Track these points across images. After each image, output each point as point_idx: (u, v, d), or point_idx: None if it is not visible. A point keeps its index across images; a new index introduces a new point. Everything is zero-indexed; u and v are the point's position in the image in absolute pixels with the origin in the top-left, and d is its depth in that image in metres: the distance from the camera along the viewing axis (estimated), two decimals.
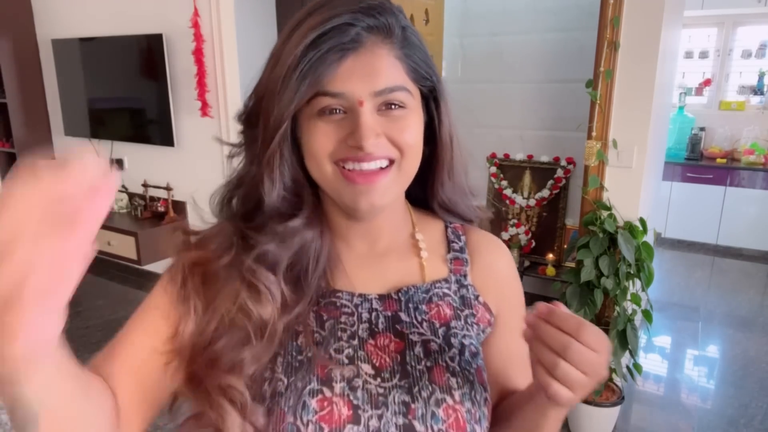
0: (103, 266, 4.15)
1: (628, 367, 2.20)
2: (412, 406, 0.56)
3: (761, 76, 4.72)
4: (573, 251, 2.39)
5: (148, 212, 3.61)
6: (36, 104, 4.09)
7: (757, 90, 4.76)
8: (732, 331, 3.33)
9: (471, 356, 0.62)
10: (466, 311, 0.65)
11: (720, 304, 3.72)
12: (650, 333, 3.22)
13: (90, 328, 3.27)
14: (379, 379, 0.57)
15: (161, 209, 3.59)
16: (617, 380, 2.28)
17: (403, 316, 0.62)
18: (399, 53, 0.56)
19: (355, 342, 0.59)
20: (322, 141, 0.55)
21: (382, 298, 0.63)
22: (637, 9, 2.03)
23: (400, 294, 0.63)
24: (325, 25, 0.52)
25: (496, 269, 0.69)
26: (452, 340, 0.62)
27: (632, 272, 2.07)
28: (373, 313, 0.61)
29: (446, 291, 0.65)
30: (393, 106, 0.56)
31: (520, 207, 3.47)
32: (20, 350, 0.34)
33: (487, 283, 0.67)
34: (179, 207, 3.57)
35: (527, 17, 3.34)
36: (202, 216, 0.64)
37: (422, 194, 0.68)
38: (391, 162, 0.57)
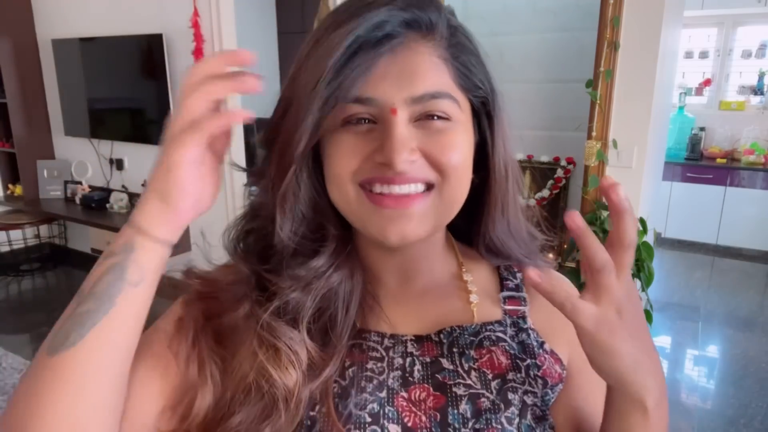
0: None
1: None
2: None
3: (761, 76, 4.72)
4: (573, 251, 2.39)
5: None
6: (36, 104, 4.09)
7: (757, 90, 4.75)
8: (732, 331, 3.33)
9: (534, 421, 0.49)
10: (528, 361, 0.51)
11: (720, 304, 3.72)
12: (650, 333, 3.22)
13: None
14: None
15: None
16: None
17: (445, 363, 0.50)
18: (445, 54, 0.46)
19: (383, 394, 0.48)
20: (344, 158, 0.46)
21: (419, 339, 0.51)
22: (637, 9, 2.03)
23: (442, 335, 0.51)
24: (354, 23, 0.42)
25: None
26: (509, 395, 0.49)
27: (632, 272, 2.08)
28: (408, 359, 0.50)
29: (500, 335, 0.52)
30: (434, 118, 0.46)
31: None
32: (184, 158, 0.41)
33: (552, 325, 0.54)
34: None
35: (527, 17, 3.34)
36: (208, 256, 0.55)
37: (467, 230, 0.57)
38: (430, 187, 0.47)
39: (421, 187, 0.46)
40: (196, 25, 3.09)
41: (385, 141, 0.44)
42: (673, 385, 2.80)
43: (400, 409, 0.47)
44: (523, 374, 0.50)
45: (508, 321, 0.54)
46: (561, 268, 3.21)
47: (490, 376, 0.49)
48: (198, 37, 3.10)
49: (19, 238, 4.29)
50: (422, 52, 0.45)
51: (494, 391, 0.49)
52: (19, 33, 3.94)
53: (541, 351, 0.52)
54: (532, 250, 0.57)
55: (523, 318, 0.54)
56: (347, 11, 0.44)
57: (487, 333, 0.52)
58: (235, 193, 2.83)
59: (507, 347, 0.51)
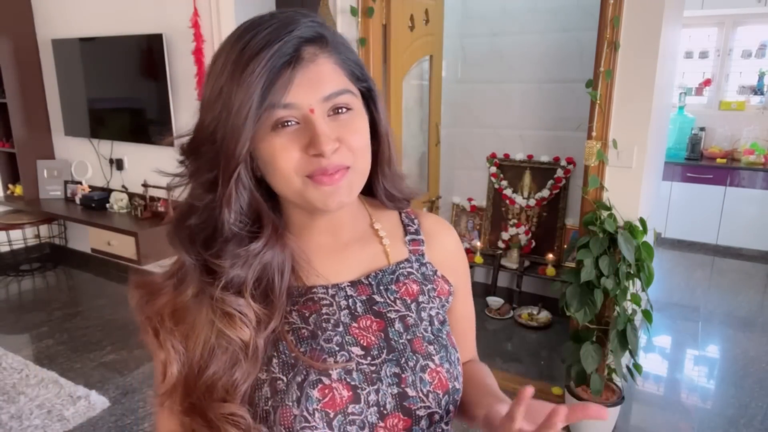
0: (103, 266, 4.15)
1: (628, 367, 2.20)
2: (403, 375, 0.63)
3: (761, 76, 4.72)
4: (573, 251, 2.39)
5: (148, 212, 3.61)
6: (36, 104, 4.10)
7: (757, 90, 4.76)
8: (732, 331, 3.33)
9: (440, 324, 0.69)
10: (429, 286, 0.71)
11: (720, 304, 3.72)
12: (650, 333, 3.22)
13: (90, 328, 3.27)
14: (369, 358, 0.63)
15: (161, 209, 3.59)
16: (617, 380, 2.28)
17: (377, 297, 0.68)
18: (337, 59, 0.60)
19: (341, 329, 0.64)
20: (284, 154, 0.58)
21: (354, 284, 0.68)
22: (637, 9, 2.02)
23: (370, 278, 0.69)
24: (269, 50, 0.55)
25: (447, 247, 0.76)
26: (422, 313, 0.69)
27: (632, 272, 2.08)
28: (350, 300, 0.67)
29: (410, 270, 0.71)
30: (341, 110, 0.59)
31: (520, 207, 3.47)
32: None
33: (441, 259, 0.74)
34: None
35: (527, 17, 3.34)
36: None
37: (368, 184, 0.72)
38: (347, 168, 0.60)
39: (341, 167, 0.60)
40: (196, 25, 3.09)
41: (313, 137, 0.57)
42: (673, 385, 2.80)
43: (356, 336, 0.64)
44: (427, 296, 0.70)
45: (413, 258, 0.72)
46: (561, 268, 3.21)
47: (409, 301, 0.69)
48: (198, 37, 3.10)
49: (19, 238, 4.29)
50: (322, 62, 0.58)
51: (414, 311, 0.68)
52: (19, 33, 3.94)
53: (435, 277, 0.73)
54: (406, 186, 0.74)
55: (422, 255, 0.73)
56: (258, 43, 0.55)
57: (401, 270, 0.71)
58: None
59: (415, 278, 0.71)
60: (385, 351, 0.64)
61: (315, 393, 0.59)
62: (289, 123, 0.57)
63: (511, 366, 2.91)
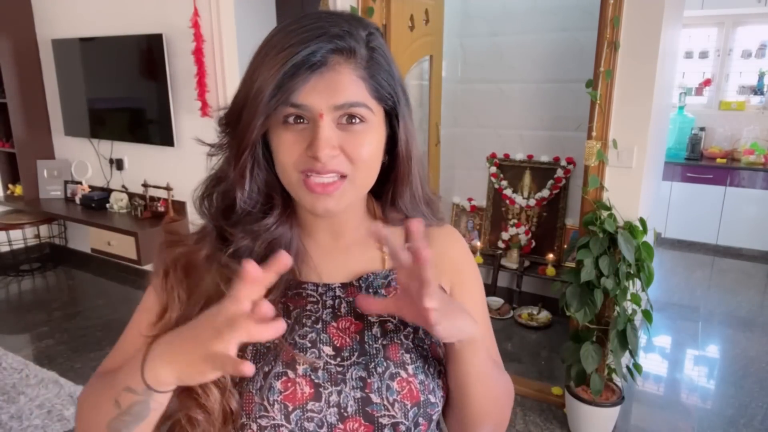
0: (103, 266, 4.15)
1: (628, 367, 2.20)
2: (369, 380, 0.63)
3: (761, 76, 4.72)
4: (573, 251, 2.39)
5: (148, 212, 3.61)
6: (36, 104, 4.09)
7: (757, 90, 4.75)
8: (732, 331, 3.33)
9: (424, 333, 0.68)
10: None
11: (720, 304, 3.72)
12: (650, 333, 3.22)
13: (90, 328, 3.27)
14: (339, 359, 0.64)
15: (161, 209, 3.59)
16: (617, 380, 2.28)
17: None
18: (363, 73, 0.60)
19: (319, 326, 0.65)
20: (286, 150, 0.60)
21: (345, 286, 0.68)
22: (637, 9, 2.02)
23: (360, 281, 0.69)
24: (295, 49, 0.57)
25: (449, 255, 0.76)
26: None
27: (632, 272, 2.07)
28: (337, 300, 0.67)
29: None
30: (354, 120, 0.60)
31: (520, 207, 3.47)
32: (224, 356, 0.51)
33: (440, 267, 0.73)
34: (179, 207, 3.57)
35: (527, 17, 3.34)
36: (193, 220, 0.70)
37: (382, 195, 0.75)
38: (344, 176, 0.61)
39: (336, 177, 0.61)
40: (196, 25, 3.09)
41: (313, 140, 0.58)
42: (673, 385, 2.80)
43: (331, 335, 0.65)
44: None
45: None
46: (561, 268, 3.21)
47: None
48: (198, 37, 3.10)
49: (19, 238, 4.29)
50: (344, 72, 0.59)
51: (396, 317, 0.67)
52: (19, 33, 3.94)
53: None
54: (429, 212, 0.74)
55: None
56: (291, 39, 0.57)
57: (394, 276, 0.70)
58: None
59: None
60: (356, 354, 0.64)
61: (278, 384, 0.61)
62: (300, 120, 0.60)
63: (511, 366, 2.91)
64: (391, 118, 0.66)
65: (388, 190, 0.71)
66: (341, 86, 0.59)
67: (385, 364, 0.64)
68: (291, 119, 0.60)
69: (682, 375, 2.90)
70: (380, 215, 0.74)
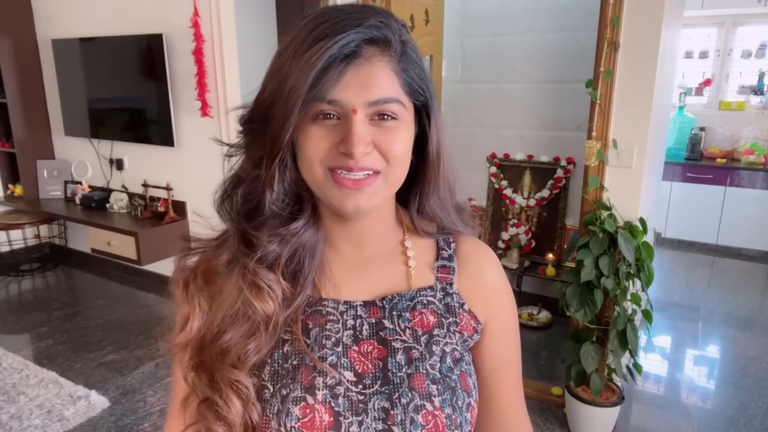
0: (103, 266, 4.15)
1: (628, 367, 2.20)
2: (392, 412, 0.59)
3: (761, 76, 4.72)
4: (573, 251, 2.39)
5: (148, 212, 3.61)
6: (36, 104, 4.09)
7: (757, 90, 4.75)
8: (732, 331, 3.33)
9: (453, 363, 0.63)
10: (450, 319, 0.65)
11: (720, 304, 3.72)
12: (650, 333, 3.22)
13: (90, 328, 3.27)
14: (360, 386, 0.60)
15: (161, 209, 3.59)
16: (617, 380, 2.28)
17: (386, 323, 0.63)
18: (396, 67, 0.58)
19: (339, 349, 0.61)
20: (314, 145, 0.57)
21: (366, 305, 0.64)
22: (637, 9, 2.02)
23: (384, 301, 0.64)
24: (329, 41, 0.54)
25: (484, 279, 0.69)
26: (434, 347, 0.63)
27: (632, 272, 2.07)
28: (358, 320, 0.63)
29: (431, 299, 0.65)
30: (386, 117, 0.57)
31: (520, 207, 3.47)
32: None
33: (474, 292, 0.68)
34: (179, 207, 3.57)
35: (527, 17, 3.34)
36: (211, 225, 0.68)
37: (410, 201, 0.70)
38: (377, 172, 0.59)
39: (370, 173, 0.58)
40: (196, 25, 3.09)
41: (347, 135, 0.55)
42: (673, 385, 2.80)
43: (352, 360, 0.61)
44: (445, 330, 0.64)
45: (439, 286, 0.67)
46: (561, 268, 3.21)
47: (420, 333, 0.63)
48: (198, 37, 3.10)
49: (19, 238, 4.29)
50: (379, 65, 0.56)
51: (423, 345, 0.62)
52: (19, 33, 3.94)
53: (461, 311, 0.66)
54: (460, 220, 0.70)
55: (450, 284, 0.67)
56: (323, 31, 0.54)
57: (421, 298, 0.65)
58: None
59: (435, 308, 0.65)
60: (379, 382, 0.60)
61: (296, 410, 0.58)
62: (330, 116, 0.57)
63: None
64: (421, 115, 0.63)
65: (415, 195, 0.67)
66: (376, 81, 0.56)
67: (409, 395, 0.59)
68: (321, 116, 0.57)
69: (682, 375, 2.90)
70: (409, 224, 0.69)
